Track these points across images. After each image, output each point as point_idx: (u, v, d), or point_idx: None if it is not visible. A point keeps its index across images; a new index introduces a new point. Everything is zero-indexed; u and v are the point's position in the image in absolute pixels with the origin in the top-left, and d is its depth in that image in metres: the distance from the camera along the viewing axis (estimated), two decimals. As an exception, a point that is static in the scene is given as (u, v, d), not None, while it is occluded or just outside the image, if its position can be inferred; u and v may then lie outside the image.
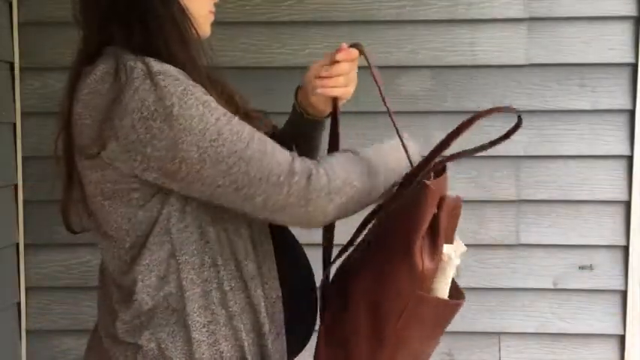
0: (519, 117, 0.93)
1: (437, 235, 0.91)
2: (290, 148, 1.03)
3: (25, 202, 2.06)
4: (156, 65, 0.94)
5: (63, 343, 2.11)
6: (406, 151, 1.10)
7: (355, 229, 1.12)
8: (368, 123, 2.02)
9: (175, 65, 0.97)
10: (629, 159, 2.02)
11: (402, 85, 2.03)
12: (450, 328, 2.14)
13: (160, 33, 1.01)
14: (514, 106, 0.95)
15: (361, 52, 1.09)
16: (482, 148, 0.95)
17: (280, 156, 0.98)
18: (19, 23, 2.03)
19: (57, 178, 1.11)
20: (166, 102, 0.92)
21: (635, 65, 2.00)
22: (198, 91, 0.96)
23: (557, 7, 1.99)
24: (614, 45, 2.00)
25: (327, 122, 1.22)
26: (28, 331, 2.09)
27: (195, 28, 1.06)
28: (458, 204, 0.97)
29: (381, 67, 2.01)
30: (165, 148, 0.92)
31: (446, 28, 2.02)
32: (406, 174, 1.03)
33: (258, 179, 0.95)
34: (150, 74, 0.92)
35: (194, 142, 0.92)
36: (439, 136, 1.05)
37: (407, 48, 2.02)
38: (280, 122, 1.34)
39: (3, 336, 2.01)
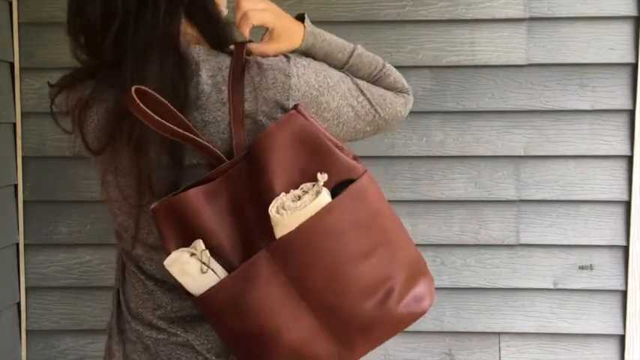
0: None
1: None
2: None
3: (25, 202, 2.06)
4: None
5: (63, 343, 2.11)
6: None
7: None
8: (368, 123, 2.02)
9: None
10: (629, 159, 2.02)
11: (402, 85, 2.03)
12: (450, 327, 2.16)
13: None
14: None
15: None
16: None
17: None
18: (19, 23, 2.03)
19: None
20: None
21: (635, 65, 2.00)
22: None
23: (557, 7, 2.00)
24: (614, 45, 2.00)
25: None
26: (28, 331, 2.09)
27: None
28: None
29: (381, 67, 2.03)
30: None
31: (446, 28, 2.02)
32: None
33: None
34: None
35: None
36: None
37: (407, 48, 2.02)
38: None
39: (3, 336, 2.01)
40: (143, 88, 0.94)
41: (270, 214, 0.90)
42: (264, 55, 1.03)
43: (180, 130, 0.94)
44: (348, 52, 1.14)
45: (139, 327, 1.08)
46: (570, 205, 2.05)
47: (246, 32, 1.05)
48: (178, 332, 1.05)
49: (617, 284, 2.05)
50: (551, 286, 2.06)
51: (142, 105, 0.92)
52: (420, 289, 0.97)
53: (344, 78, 1.07)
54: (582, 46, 2.00)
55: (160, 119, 0.93)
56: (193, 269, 0.92)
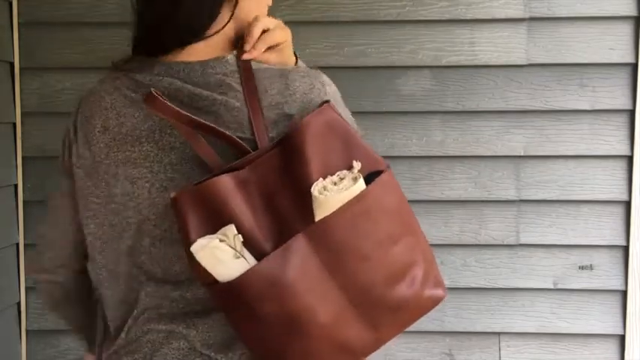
0: None
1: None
2: None
3: (25, 202, 2.06)
4: None
5: (63, 343, 2.11)
6: None
7: None
8: (368, 122, 2.02)
9: None
10: (629, 159, 2.02)
11: (402, 85, 2.03)
12: (450, 327, 2.16)
13: None
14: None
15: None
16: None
17: None
18: (19, 23, 2.03)
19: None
20: None
21: (635, 65, 2.00)
22: None
23: (557, 7, 2.00)
24: (614, 45, 2.00)
25: None
26: (28, 331, 2.09)
27: None
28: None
29: (381, 67, 2.04)
30: None
31: (446, 28, 2.02)
32: None
33: None
34: None
35: None
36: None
37: (407, 48, 2.02)
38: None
39: (3, 336, 2.01)
40: (156, 95, 0.95)
41: (313, 194, 0.93)
42: (266, 62, 1.06)
43: (206, 122, 0.96)
44: None
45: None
46: (570, 205, 2.05)
47: (260, 51, 1.07)
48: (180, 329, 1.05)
49: (617, 284, 2.05)
50: (551, 286, 2.06)
51: (166, 101, 0.95)
52: (435, 277, 1.03)
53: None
54: (582, 46, 2.00)
55: (187, 113, 0.95)
56: (225, 255, 0.91)
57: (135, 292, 1.04)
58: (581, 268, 2.06)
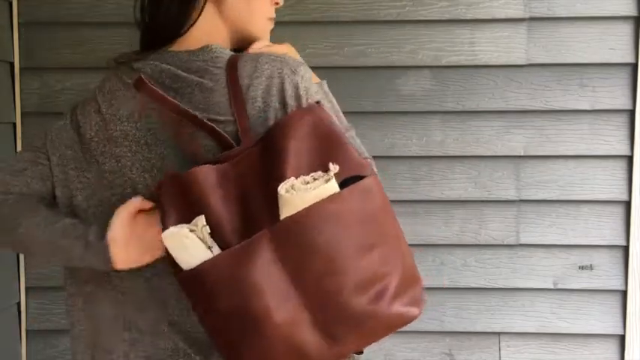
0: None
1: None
2: None
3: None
4: None
5: (63, 343, 2.11)
6: None
7: None
8: (368, 122, 2.02)
9: None
10: (629, 159, 2.02)
11: (402, 85, 2.03)
12: (450, 327, 2.16)
13: None
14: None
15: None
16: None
17: None
18: (19, 23, 2.03)
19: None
20: None
21: (635, 65, 2.00)
22: None
23: (557, 7, 2.00)
24: (614, 45, 2.00)
25: None
26: (28, 331, 2.09)
27: None
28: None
29: (381, 67, 2.04)
30: None
31: (446, 28, 2.02)
32: None
33: None
34: None
35: None
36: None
37: (407, 48, 2.02)
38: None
39: (3, 336, 2.01)
40: (145, 79, 0.99)
41: (278, 192, 0.91)
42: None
43: (191, 112, 0.98)
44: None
45: None
46: (570, 205, 2.05)
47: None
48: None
49: (617, 284, 2.05)
50: (551, 286, 2.06)
51: (155, 87, 0.98)
52: (412, 294, 0.97)
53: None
54: (582, 46, 2.00)
55: (173, 100, 0.98)
56: (192, 244, 0.92)
57: None
58: (581, 268, 2.06)
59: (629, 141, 2.02)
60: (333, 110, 1.09)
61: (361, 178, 0.95)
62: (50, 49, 2.03)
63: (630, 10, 1.98)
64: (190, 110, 0.99)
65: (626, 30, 1.99)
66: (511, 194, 2.05)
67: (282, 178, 0.92)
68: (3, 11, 2.00)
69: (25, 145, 1.16)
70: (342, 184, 0.94)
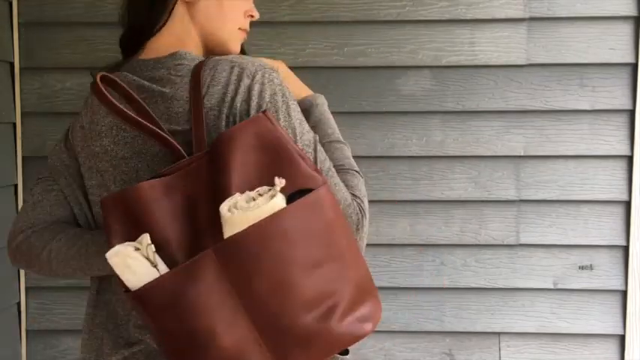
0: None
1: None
2: None
3: (25, 202, 2.06)
4: None
5: (63, 343, 2.11)
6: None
7: None
8: (368, 122, 2.02)
9: None
10: (629, 159, 2.02)
11: (402, 85, 2.03)
12: (450, 327, 2.16)
13: None
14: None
15: None
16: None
17: None
18: (19, 23, 2.03)
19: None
20: None
21: (635, 65, 2.00)
22: None
23: (557, 7, 2.00)
24: (614, 45, 2.00)
25: None
26: (28, 331, 2.09)
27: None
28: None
29: (381, 67, 2.04)
30: None
31: (446, 28, 2.02)
32: None
33: None
34: None
35: None
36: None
37: (407, 48, 2.02)
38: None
39: (3, 336, 2.01)
40: (112, 76, 0.99)
41: (220, 211, 0.88)
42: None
43: (140, 120, 0.96)
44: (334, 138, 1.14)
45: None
46: (570, 205, 2.05)
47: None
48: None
49: (617, 284, 2.05)
50: (551, 286, 2.06)
51: (105, 92, 0.97)
52: (365, 310, 0.94)
53: (312, 131, 1.06)
54: (582, 46, 2.00)
55: (121, 107, 0.96)
56: (136, 263, 0.90)
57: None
58: (581, 268, 2.06)
59: (629, 141, 2.02)
60: (293, 121, 1.01)
61: (309, 191, 0.91)
62: (50, 49, 2.03)
63: (630, 10, 1.98)
64: (142, 120, 0.96)
65: (626, 30, 1.99)
66: (511, 194, 2.05)
67: (225, 196, 0.89)
68: (3, 11, 2.00)
69: (34, 181, 1.18)
70: (291, 198, 0.90)
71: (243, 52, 1.20)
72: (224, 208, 0.88)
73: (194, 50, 1.09)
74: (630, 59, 2.00)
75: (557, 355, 2.08)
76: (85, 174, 1.10)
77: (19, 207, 2.06)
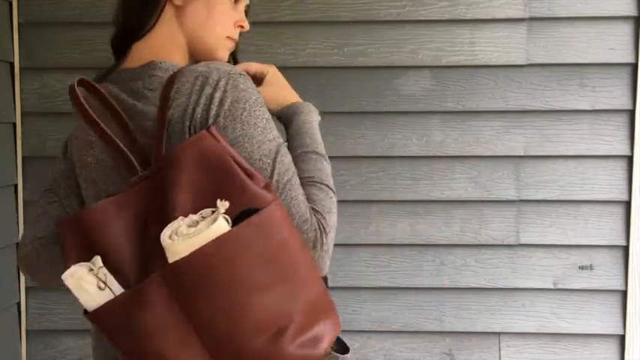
0: None
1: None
2: None
3: (25, 202, 2.06)
4: None
5: (63, 343, 2.11)
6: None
7: None
8: (368, 122, 2.02)
9: None
10: (629, 159, 2.02)
11: (402, 85, 2.03)
12: (450, 327, 2.16)
13: None
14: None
15: None
16: None
17: None
18: (19, 23, 2.03)
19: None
20: None
21: (635, 65, 2.00)
22: None
23: (557, 7, 2.00)
24: (614, 45, 2.00)
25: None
26: (28, 331, 2.09)
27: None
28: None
29: (380, 67, 2.04)
30: None
31: (446, 28, 2.02)
32: None
33: None
34: None
35: None
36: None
37: (407, 48, 2.02)
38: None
39: (3, 336, 2.01)
40: (92, 82, 1.00)
41: (161, 239, 0.87)
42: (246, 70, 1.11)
43: (104, 129, 0.95)
44: (311, 150, 1.08)
45: None
46: (570, 205, 2.05)
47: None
48: None
49: (617, 284, 2.05)
50: (551, 286, 2.06)
51: (80, 98, 0.97)
52: (319, 329, 0.91)
53: (277, 140, 1.00)
54: (582, 46, 2.00)
55: (92, 115, 0.96)
56: (90, 285, 0.90)
57: None
58: (581, 268, 2.06)
59: (629, 141, 2.02)
60: (251, 129, 0.97)
61: (255, 210, 0.88)
62: (50, 49, 2.03)
63: (630, 10, 1.98)
64: (106, 130, 0.95)
65: (626, 30, 1.99)
66: (511, 194, 2.05)
67: (169, 219, 0.88)
68: (3, 11, 2.00)
69: (38, 194, 1.18)
70: (240, 218, 0.88)
71: (234, 60, 1.18)
72: (165, 234, 0.87)
73: (177, 57, 1.07)
74: (630, 59, 2.00)
75: (557, 355, 2.08)
76: (82, 184, 1.09)
77: (19, 207, 2.06)
